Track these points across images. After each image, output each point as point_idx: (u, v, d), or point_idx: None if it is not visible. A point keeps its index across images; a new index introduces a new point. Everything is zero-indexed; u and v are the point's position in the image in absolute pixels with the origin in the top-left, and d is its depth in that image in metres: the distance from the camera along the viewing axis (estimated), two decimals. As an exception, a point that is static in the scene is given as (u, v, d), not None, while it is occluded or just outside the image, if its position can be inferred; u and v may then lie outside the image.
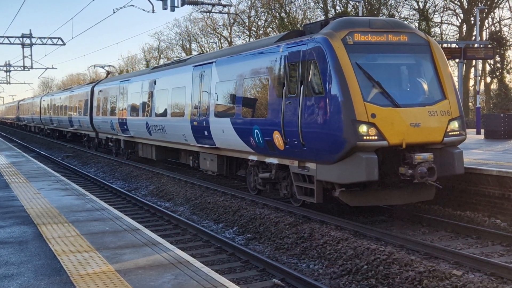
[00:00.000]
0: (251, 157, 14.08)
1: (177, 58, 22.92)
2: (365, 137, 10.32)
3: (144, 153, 22.96)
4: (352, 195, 11.14)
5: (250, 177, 14.91)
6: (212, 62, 16.02)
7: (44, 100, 47.16)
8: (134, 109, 22.82)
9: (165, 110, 19.25)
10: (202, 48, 62.12)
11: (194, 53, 57.65)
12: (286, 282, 8.37)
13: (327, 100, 10.68)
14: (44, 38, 42.11)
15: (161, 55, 73.38)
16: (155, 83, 20.66)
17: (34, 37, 42.46)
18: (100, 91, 28.68)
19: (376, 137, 10.37)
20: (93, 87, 30.40)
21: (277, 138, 12.25)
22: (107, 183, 19.40)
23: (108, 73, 39.52)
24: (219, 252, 10.29)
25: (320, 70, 10.91)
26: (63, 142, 39.78)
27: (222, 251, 10.31)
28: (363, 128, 10.32)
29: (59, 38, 41.97)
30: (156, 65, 39.75)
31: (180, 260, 6.83)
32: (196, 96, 16.78)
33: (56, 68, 67.46)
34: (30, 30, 43.55)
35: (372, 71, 10.87)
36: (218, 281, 5.98)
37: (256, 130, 13.14)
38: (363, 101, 10.41)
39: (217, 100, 15.47)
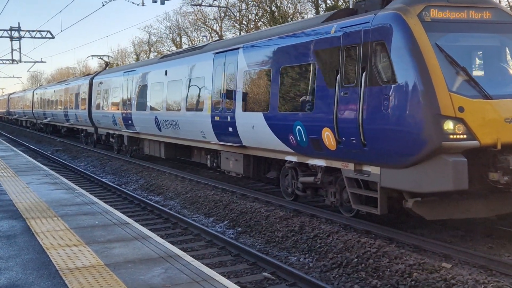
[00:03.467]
0: (289, 158, 12.23)
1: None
2: (451, 136, 8.53)
3: (151, 150, 21.20)
4: (429, 207, 9.27)
5: (285, 181, 13.00)
6: (238, 48, 13.98)
7: (36, 93, 45.75)
8: (140, 103, 20.82)
9: (179, 103, 17.36)
10: (193, 42, 61.90)
11: (185, 46, 57.46)
12: (277, 276, 8.38)
13: (401, 90, 8.88)
14: (33, 31, 41.83)
15: (151, 49, 73.07)
16: (166, 74, 18.67)
17: (23, 30, 42.18)
18: (100, 83, 26.85)
19: (464, 136, 8.57)
20: (91, 79, 28.70)
21: (328, 136, 10.47)
22: (97, 177, 19.32)
23: (106, 64, 38.20)
24: (209, 246, 10.28)
25: (391, 53, 9.09)
26: (55, 137, 39.54)
27: (212, 245, 10.30)
28: (449, 125, 8.54)
29: (48, 31, 41.67)
30: (149, 57, 39.12)
31: (170, 254, 6.82)
32: (218, 88, 14.89)
33: (45, 62, 66.99)
34: (19, 23, 43.23)
35: (455, 55, 9.03)
36: (208, 274, 5.98)
37: (298, 127, 11.34)
38: (448, 91, 8.64)
39: (245, 92, 13.52)
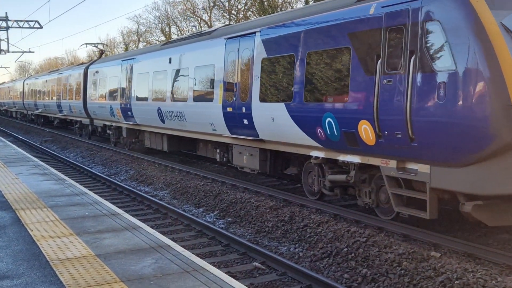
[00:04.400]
0: (315, 153, 11.16)
1: (199, 32, 17.91)
2: None
3: (152, 143, 20.08)
4: (492, 211, 8.19)
5: (309, 178, 11.98)
6: (254, 33, 12.85)
7: (27, 84, 44.51)
8: (141, 93, 19.64)
9: (186, 93, 16.23)
10: (182, 32, 61.65)
11: (174, 36, 57.19)
12: (267, 265, 8.42)
13: (462, 77, 7.72)
14: (21, 21, 41.38)
15: (140, 39, 72.72)
16: (170, 62, 17.46)
17: (11, 20, 41.68)
18: (96, 72, 25.55)
19: None
20: (86, 68, 27.57)
21: (365, 129, 9.41)
22: (86, 168, 19.25)
23: (101, 52, 36.86)
24: (200, 236, 10.30)
25: (448, 34, 7.94)
26: (44, 128, 39.27)
27: (203, 235, 10.32)
28: None
29: (36, 21, 41.26)
30: (138, 47, 38.47)
31: (160, 244, 6.83)
32: (230, 76, 13.79)
33: (33, 52, 66.24)
34: (6, 13, 42.72)
35: None
36: (198, 264, 5.99)
37: (328, 119, 10.27)
38: None
39: (263, 80, 12.38)
